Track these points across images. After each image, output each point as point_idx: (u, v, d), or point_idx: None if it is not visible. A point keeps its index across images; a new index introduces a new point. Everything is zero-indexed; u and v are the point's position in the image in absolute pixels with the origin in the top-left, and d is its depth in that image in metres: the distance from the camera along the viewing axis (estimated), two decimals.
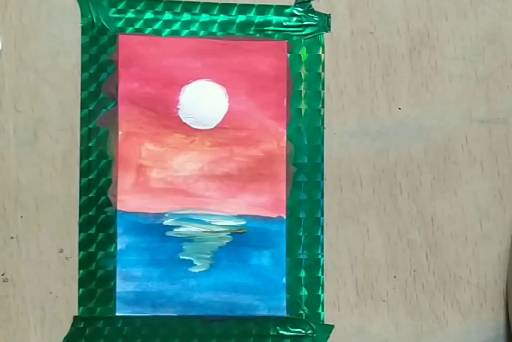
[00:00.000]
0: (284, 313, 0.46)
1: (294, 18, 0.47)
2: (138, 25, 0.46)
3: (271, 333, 0.46)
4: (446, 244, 0.47)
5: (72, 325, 0.45)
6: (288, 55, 0.47)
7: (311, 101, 0.47)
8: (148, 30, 0.46)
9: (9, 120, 0.46)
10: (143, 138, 0.46)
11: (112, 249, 0.45)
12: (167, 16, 0.46)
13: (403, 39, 0.48)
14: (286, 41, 0.47)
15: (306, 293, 0.46)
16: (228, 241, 0.46)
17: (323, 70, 0.47)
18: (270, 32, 0.47)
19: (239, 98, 0.46)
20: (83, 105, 0.46)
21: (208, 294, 0.45)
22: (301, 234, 0.46)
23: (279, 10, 0.47)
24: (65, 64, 0.46)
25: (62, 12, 0.46)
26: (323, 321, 0.47)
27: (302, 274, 0.46)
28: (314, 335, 0.46)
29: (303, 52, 0.47)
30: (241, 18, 0.47)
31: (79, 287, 0.45)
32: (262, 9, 0.47)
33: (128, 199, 0.45)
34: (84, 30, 0.46)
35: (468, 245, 0.47)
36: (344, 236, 0.47)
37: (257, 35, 0.47)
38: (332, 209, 0.47)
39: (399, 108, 0.47)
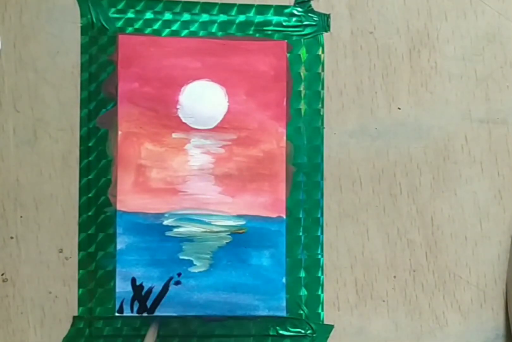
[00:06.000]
0: (283, 313, 0.46)
1: (294, 18, 0.47)
2: (137, 25, 0.46)
3: (271, 333, 0.46)
4: (445, 244, 0.47)
5: (72, 325, 0.45)
6: (288, 55, 0.47)
7: (310, 101, 0.47)
8: (148, 30, 0.46)
9: (9, 120, 0.45)
10: (143, 138, 0.46)
11: (111, 249, 0.45)
12: (167, 16, 0.46)
13: (403, 39, 0.48)
14: (286, 41, 0.47)
15: (305, 293, 0.46)
16: (227, 241, 0.46)
17: (322, 70, 0.47)
18: (269, 32, 0.47)
19: (238, 98, 0.46)
20: (83, 105, 0.46)
21: (207, 294, 0.45)
22: (300, 234, 0.46)
23: (279, 10, 0.47)
24: (65, 64, 0.46)
25: (62, 12, 0.46)
26: (322, 321, 0.47)
27: (302, 274, 0.46)
28: (314, 335, 0.46)
29: (302, 52, 0.47)
30: (240, 18, 0.47)
31: (79, 287, 0.45)
32: (262, 9, 0.47)
33: (128, 199, 0.45)
34: (83, 30, 0.46)
35: (467, 245, 0.47)
36: (343, 236, 0.47)
37: (257, 35, 0.47)
38: (332, 208, 0.47)
39: (399, 108, 0.47)
